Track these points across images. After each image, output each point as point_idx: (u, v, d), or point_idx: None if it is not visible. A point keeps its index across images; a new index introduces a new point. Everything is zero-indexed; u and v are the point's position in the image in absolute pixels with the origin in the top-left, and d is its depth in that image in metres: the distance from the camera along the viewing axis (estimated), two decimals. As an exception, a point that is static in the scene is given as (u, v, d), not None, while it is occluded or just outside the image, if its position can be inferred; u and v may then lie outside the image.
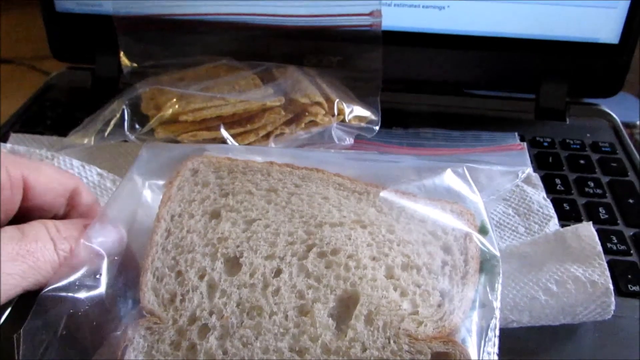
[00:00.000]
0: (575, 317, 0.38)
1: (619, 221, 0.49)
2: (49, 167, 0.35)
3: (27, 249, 0.29)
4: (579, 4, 0.57)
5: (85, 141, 0.51)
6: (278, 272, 0.34)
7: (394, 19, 0.59)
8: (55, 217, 0.36)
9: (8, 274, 0.27)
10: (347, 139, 0.54)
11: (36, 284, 0.29)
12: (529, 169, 0.49)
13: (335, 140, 0.53)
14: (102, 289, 0.31)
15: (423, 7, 0.58)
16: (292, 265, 0.34)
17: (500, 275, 0.35)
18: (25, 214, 0.34)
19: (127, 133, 0.50)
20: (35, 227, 0.31)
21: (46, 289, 0.30)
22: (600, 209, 0.50)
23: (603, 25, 0.58)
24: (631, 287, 0.43)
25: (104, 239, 0.33)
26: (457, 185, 0.40)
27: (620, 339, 0.40)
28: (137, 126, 0.51)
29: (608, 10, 0.57)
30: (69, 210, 0.36)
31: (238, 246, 0.35)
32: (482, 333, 0.32)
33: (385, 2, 0.58)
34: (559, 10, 0.57)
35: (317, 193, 0.39)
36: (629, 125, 0.66)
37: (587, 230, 0.40)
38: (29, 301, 0.31)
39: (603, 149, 0.58)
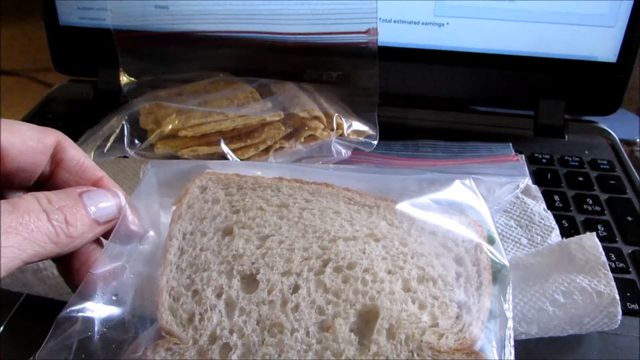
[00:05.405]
0: (582, 328, 0.39)
1: (617, 239, 0.49)
2: (23, 125, 0.33)
3: (19, 222, 0.28)
4: (577, 22, 0.58)
5: (84, 157, 0.50)
6: (296, 288, 0.33)
7: (394, 36, 0.60)
8: (41, 176, 0.34)
9: (4, 247, 0.27)
10: (344, 151, 0.54)
11: (35, 255, 0.28)
12: (527, 179, 0.50)
13: (334, 154, 0.54)
14: (119, 310, 0.31)
15: (423, 23, 0.59)
16: (310, 280, 0.34)
17: (510, 285, 0.36)
18: (7, 178, 0.32)
19: (127, 149, 0.50)
20: (26, 200, 0.29)
21: (63, 311, 0.29)
22: (599, 226, 0.50)
23: (601, 43, 0.58)
24: (630, 305, 0.43)
25: (103, 205, 0.32)
26: (462, 197, 0.40)
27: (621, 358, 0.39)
28: (136, 142, 0.50)
29: (606, 29, 0.57)
30: (55, 167, 0.34)
31: (253, 263, 0.35)
32: (501, 343, 0.32)
33: (385, 18, 0.58)
34: (557, 29, 0.58)
35: (328, 208, 0.39)
36: (628, 143, 0.66)
37: (590, 240, 0.40)
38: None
39: (602, 166, 0.58)
